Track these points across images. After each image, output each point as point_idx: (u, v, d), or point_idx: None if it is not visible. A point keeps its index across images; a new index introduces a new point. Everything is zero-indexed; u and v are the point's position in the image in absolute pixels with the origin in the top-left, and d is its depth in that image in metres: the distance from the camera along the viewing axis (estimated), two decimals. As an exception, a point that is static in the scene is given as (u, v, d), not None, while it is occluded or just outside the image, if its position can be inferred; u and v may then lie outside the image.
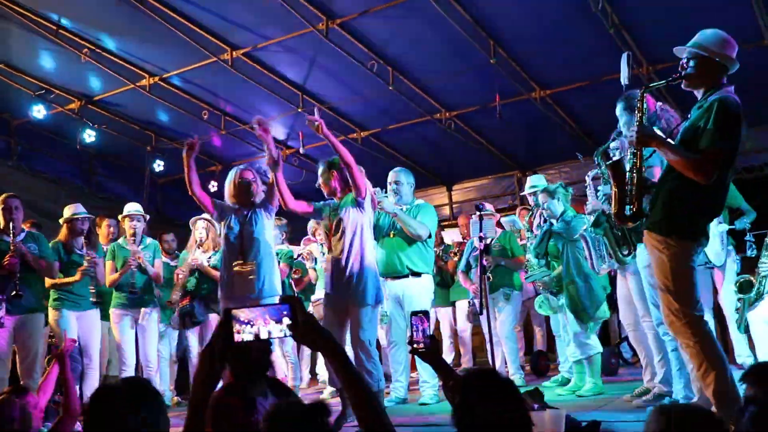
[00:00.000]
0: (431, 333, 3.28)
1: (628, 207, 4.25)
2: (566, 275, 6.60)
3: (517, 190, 11.61)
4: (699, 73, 4.17)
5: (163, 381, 8.12)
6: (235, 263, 5.96)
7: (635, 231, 4.46)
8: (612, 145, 5.26)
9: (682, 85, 4.30)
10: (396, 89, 9.22)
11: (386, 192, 6.86)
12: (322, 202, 6.23)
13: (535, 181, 7.46)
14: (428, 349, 3.21)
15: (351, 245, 5.84)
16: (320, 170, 6.22)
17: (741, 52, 8.33)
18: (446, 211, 12.45)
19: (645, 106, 4.29)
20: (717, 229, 6.19)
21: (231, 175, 6.37)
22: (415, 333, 3.22)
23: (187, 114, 10.35)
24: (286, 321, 2.23)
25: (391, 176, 6.98)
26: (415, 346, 3.23)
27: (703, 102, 4.11)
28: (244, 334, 2.25)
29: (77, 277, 7.03)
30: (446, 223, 11.79)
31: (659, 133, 4.41)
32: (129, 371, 7.37)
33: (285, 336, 2.26)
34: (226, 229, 6.09)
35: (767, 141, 8.95)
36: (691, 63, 4.17)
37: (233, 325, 2.25)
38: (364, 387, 2.22)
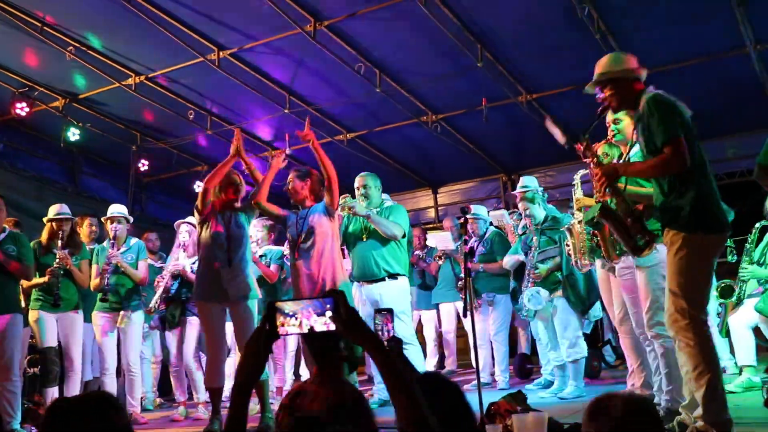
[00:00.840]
0: (394, 333, 3.32)
1: (638, 238, 4.29)
2: (565, 268, 6.63)
3: (503, 193, 11.68)
4: (618, 95, 4.32)
5: (145, 383, 8.12)
6: (219, 264, 5.99)
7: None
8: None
9: (612, 113, 4.57)
10: (383, 91, 9.25)
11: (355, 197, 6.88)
12: (289, 212, 6.34)
13: (527, 182, 7.49)
14: (390, 350, 3.25)
15: (322, 253, 5.96)
16: (295, 175, 6.31)
17: (723, 59, 8.46)
18: (431, 213, 12.46)
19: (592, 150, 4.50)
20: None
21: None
22: (378, 332, 3.25)
23: (173, 114, 10.33)
24: (329, 314, 2.23)
25: (359, 181, 6.96)
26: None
27: (639, 113, 4.23)
28: (288, 327, 2.26)
29: (45, 279, 6.97)
30: (431, 225, 11.84)
31: (615, 162, 4.66)
32: (110, 374, 7.28)
33: (324, 329, 2.23)
34: (210, 230, 6.09)
35: (748, 148, 8.97)
36: (606, 92, 4.33)
37: (277, 318, 2.26)
38: (409, 385, 2.20)
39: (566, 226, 6.26)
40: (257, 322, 6.22)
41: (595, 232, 4.76)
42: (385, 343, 3.19)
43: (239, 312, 6.05)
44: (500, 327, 7.85)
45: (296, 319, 2.23)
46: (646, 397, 2.38)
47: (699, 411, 3.88)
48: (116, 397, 2.53)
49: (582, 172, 5.75)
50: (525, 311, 6.92)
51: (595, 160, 4.44)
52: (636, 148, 4.57)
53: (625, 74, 4.31)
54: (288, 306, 2.26)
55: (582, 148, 4.48)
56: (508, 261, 7.45)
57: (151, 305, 7.59)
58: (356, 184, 6.94)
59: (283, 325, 2.24)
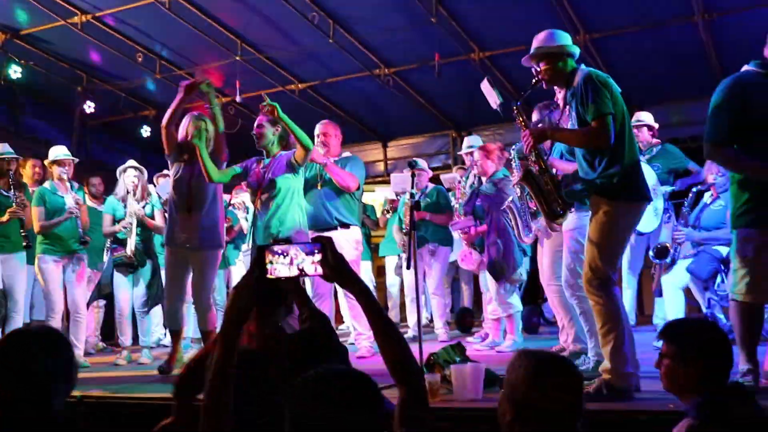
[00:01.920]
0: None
1: (554, 205, 4.61)
2: (488, 235, 6.81)
3: (452, 150, 11.75)
4: (551, 69, 4.56)
5: (87, 326, 8.15)
6: (183, 213, 6.05)
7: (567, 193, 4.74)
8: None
9: (544, 86, 4.69)
10: (336, 42, 9.24)
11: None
12: (245, 163, 6.31)
13: (472, 141, 7.60)
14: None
15: (279, 207, 5.98)
16: (267, 119, 6.15)
17: (671, 27, 8.58)
18: (381, 167, 12.54)
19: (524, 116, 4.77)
20: (658, 191, 6.45)
21: (185, 122, 6.29)
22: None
23: (121, 56, 10.17)
24: (318, 257, 2.31)
25: (319, 128, 6.95)
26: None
27: (574, 89, 4.43)
28: (277, 265, 2.32)
29: (4, 218, 6.99)
30: (380, 179, 11.94)
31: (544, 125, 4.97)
32: (56, 318, 7.25)
33: (315, 272, 2.31)
34: (176, 175, 6.12)
35: (693, 114, 9.12)
36: (542, 66, 4.58)
37: (267, 258, 2.32)
38: (390, 325, 2.31)
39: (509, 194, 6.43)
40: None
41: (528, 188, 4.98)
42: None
43: (198, 260, 6.13)
44: (440, 280, 8.04)
45: (285, 257, 2.32)
46: (555, 354, 2.52)
47: (606, 365, 4.21)
48: (60, 332, 2.74)
49: (515, 146, 5.95)
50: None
51: (524, 123, 4.73)
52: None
53: (560, 50, 4.55)
54: (278, 247, 2.34)
55: (515, 113, 4.76)
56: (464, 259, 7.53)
57: (128, 252, 7.51)
58: (316, 132, 6.93)
59: (272, 263, 2.33)
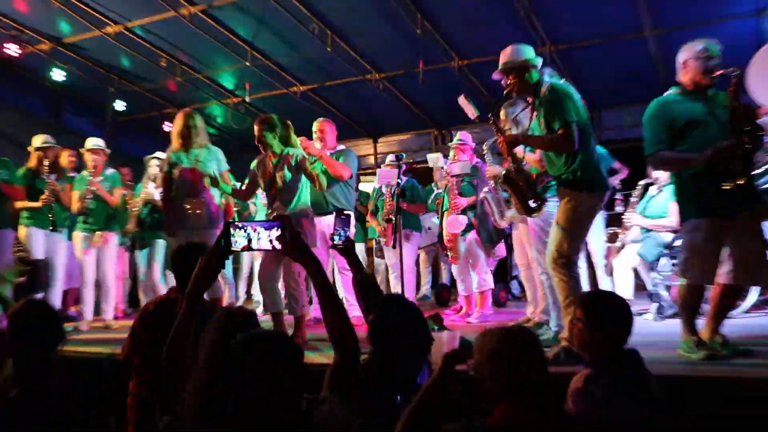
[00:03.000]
0: (348, 235, 3.46)
1: (530, 202, 4.61)
2: (479, 207, 6.77)
3: (433, 146, 11.72)
4: (519, 81, 4.55)
5: (116, 294, 8.12)
6: (186, 199, 5.98)
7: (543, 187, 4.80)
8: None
9: (514, 96, 4.74)
10: (333, 51, 9.19)
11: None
12: (254, 164, 6.14)
13: (463, 137, 7.56)
14: (345, 246, 3.44)
15: (289, 203, 5.81)
16: (264, 127, 5.81)
17: (624, 40, 8.58)
18: (371, 160, 12.51)
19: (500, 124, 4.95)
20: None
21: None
22: (336, 232, 3.38)
23: (147, 61, 10.15)
24: (276, 233, 2.29)
25: (316, 125, 6.91)
26: (335, 242, 3.41)
27: (540, 99, 4.45)
28: (239, 238, 2.32)
29: (39, 204, 6.98)
30: (371, 170, 11.88)
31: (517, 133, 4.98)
32: (89, 285, 7.37)
33: (273, 248, 2.31)
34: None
35: (641, 117, 9.11)
36: (510, 78, 4.57)
37: (231, 233, 2.33)
38: (336, 300, 2.31)
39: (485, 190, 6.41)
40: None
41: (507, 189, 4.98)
42: (342, 241, 3.43)
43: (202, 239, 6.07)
44: (411, 260, 8.05)
45: (245, 231, 2.30)
46: (521, 327, 2.57)
47: (565, 333, 4.22)
48: (52, 307, 3.45)
49: (490, 141, 5.95)
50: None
51: (499, 131, 4.77)
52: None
53: (525, 64, 4.53)
54: (240, 223, 2.35)
55: (490, 122, 4.80)
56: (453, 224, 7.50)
57: (128, 227, 7.60)
58: (314, 128, 6.90)
59: (233, 236, 2.32)
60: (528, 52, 4.56)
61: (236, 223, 2.35)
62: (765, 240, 4.28)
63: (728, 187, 3.97)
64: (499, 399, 2.30)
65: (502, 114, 5.48)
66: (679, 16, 7.86)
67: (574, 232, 4.38)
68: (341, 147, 7.06)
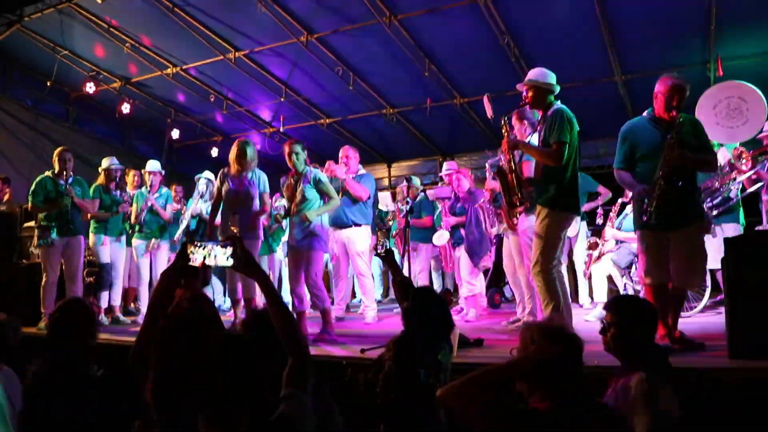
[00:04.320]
0: (389, 247, 3.80)
1: (514, 198, 4.65)
2: (467, 227, 6.73)
3: (438, 170, 11.67)
4: (535, 97, 4.57)
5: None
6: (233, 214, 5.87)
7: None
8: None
9: (528, 108, 4.85)
10: (355, 89, 9.17)
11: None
12: (283, 180, 6.12)
13: (450, 165, 7.50)
14: (387, 255, 3.85)
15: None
16: (297, 149, 5.76)
17: (599, 84, 8.57)
18: (386, 182, 12.46)
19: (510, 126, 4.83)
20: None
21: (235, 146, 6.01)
22: (380, 243, 3.52)
23: (199, 97, 10.20)
24: (229, 251, 2.24)
25: (342, 152, 6.87)
26: (378, 251, 3.84)
27: (547, 117, 4.46)
28: (196, 255, 2.28)
29: (104, 215, 7.05)
30: (385, 190, 11.81)
31: (520, 139, 4.96)
32: (145, 285, 7.38)
33: (226, 262, 2.25)
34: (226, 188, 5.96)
35: (614, 148, 9.04)
36: (530, 93, 4.57)
37: (189, 252, 2.30)
38: (283, 307, 2.24)
39: (479, 202, 6.40)
40: (258, 259, 6.19)
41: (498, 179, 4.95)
42: (384, 250, 3.94)
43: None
44: (422, 268, 8.01)
45: (203, 249, 2.27)
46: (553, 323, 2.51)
47: None
48: (88, 305, 3.31)
49: (490, 161, 5.90)
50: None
51: (506, 133, 4.69)
52: (535, 137, 4.80)
53: (545, 86, 4.53)
54: (198, 242, 2.31)
55: (502, 123, 4.72)
56: (437, 239, 7.46)
57: (175, 237, 7.59)
58: (340, 154, 6.85)
59: (193, 253, 2.29)
60: (552, 78, 4.57)
61: (195, 243, 2.31)
62: (697, 251, 4.15)
63: (650, 210, 4.03)
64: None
65: (515, 122, 5.36)
66: (641, 63, 7.88)
67: (549, 244, 4.34)
68: (362, 171, 7.01)
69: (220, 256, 2.26)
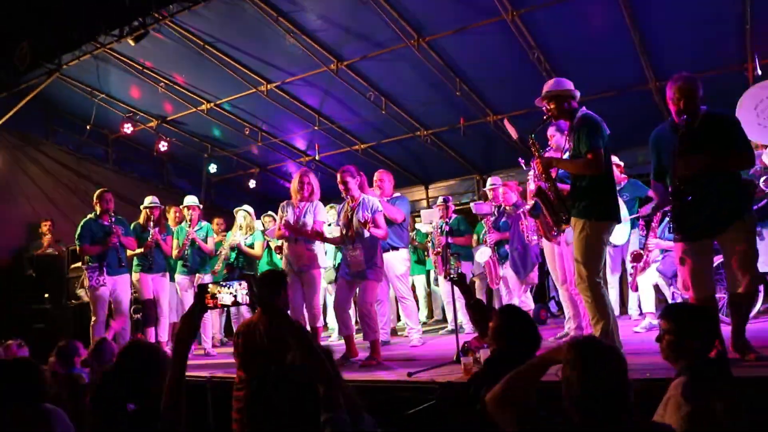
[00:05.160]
0: (461, 271, 4.04)
1: (560, 215, 4.44)
2: (511, 243, 6.70)
3: (476, 189, 11.65)
4: (557, 107, 4.44)
5: (214, 326, 8.19)
6: (293, 242, 5.95)
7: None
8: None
9: (553, 120, 4.61)
10: (387, 113, 9.26)
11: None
12: (338, 209, 6.19)
13: (494, 181, 7.49)
14: (460, 280, 4.07)
15: (362, 240, 5.72)
16: (348, 174, 5.83)
17: (633, 91, 8.45)
18: (424, 204, 12.43)
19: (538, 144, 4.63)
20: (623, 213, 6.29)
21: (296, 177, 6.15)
22: (452, 267, 4.24)
23: (233, 130, 10.43)
24: (245, 291, 2.30)
25: (376, 176, 6.94)
26: (451, 275, 4.15)
27: (574, 126, 4.34)
28: (221, 295, 2.31)
29: (141, 251, 7.20)
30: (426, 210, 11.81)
31: (552, 155, 4.84)
32: None
33: (244, 302, 2.32)
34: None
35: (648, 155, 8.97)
36: (551, 105, 4.45)
37: (209, 295, 2.31)
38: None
39: (521, 210, 6.37)
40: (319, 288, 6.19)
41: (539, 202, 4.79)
42: (457, 275, 4.24)
43: (304, 279, 5.96)
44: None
45: (228, 289, 2.30)
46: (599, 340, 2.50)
47: None
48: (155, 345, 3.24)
49: (531, 173, 5.82)
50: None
51: (537, 153, 4.56)
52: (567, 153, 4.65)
53: (564, 93, 4.43)
54: (224, 282, 2.34)
55: (530, 143, 4.59)
56: (480, 255, 7.42)
57: (215, 268, 7.70)
58: (375, 178, 6.93)
59: (216, 295, 2.31)
60: (567, 84, 4.48)
61: (221, 283, 2.36)
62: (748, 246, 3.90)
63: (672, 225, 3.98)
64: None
65: (549, 131, 5.28)
66: (674, 69, 7.67)
67: (590, 257, 4.18)
68: (397, 194, 7.06)
69: (240, 294, 2.32)
